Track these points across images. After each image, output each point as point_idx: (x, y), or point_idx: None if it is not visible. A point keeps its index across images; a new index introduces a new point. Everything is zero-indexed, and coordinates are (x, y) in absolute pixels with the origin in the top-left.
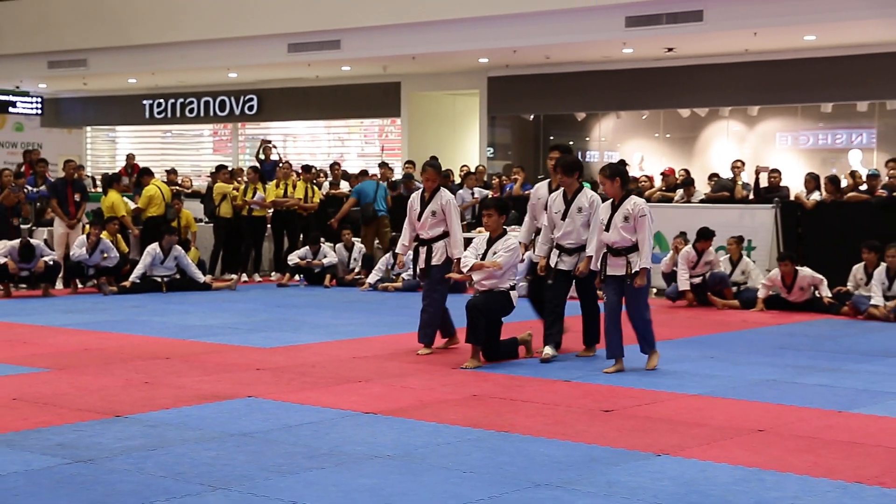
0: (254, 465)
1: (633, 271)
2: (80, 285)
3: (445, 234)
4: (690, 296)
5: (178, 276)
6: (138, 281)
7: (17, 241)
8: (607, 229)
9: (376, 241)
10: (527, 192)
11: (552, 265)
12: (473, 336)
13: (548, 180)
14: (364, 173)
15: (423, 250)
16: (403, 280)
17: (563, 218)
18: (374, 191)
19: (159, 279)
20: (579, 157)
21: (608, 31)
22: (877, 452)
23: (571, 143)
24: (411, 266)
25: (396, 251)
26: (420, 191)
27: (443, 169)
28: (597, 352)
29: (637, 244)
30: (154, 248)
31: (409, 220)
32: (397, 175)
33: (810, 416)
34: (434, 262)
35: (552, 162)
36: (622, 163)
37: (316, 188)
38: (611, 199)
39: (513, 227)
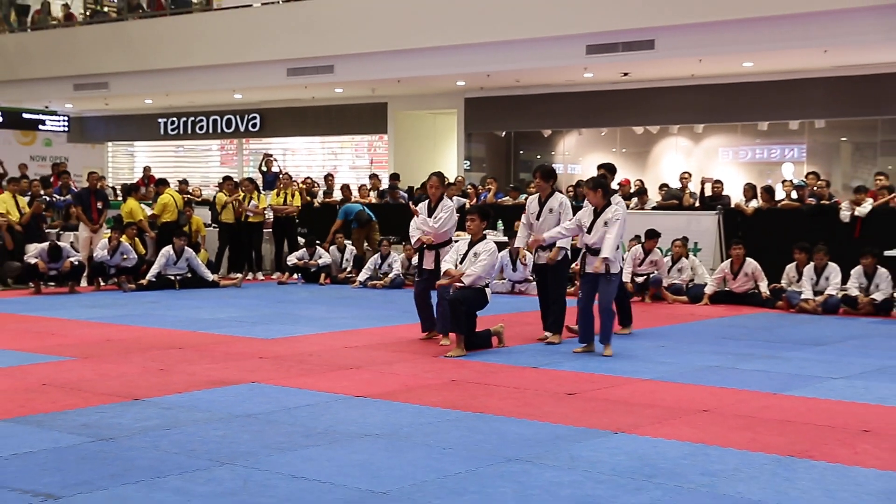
0: (257, 443)
1: (610, 270)
2: (102, 283)
3: (449, 241)
4: (630, 286)
5: (189, 275)
6: (154, 279)
7: (46, 244)
8: (589, 232)
9: (365, 244)
10: (499, 200)
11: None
12: (456, 326)
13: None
14: (346, 199)
15: (430, 253)
16: (391, 280)
17: (538, 218)
18: (360, 207)
19: (173, 278)
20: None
21: (571, 58)
22: (806, 430)
23: (539, 156)
24: (398, 264)
25: (413, 237)
26: (427, 201)
27: (430, 174)
28: (562, 340)
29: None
30: (168, 250)
31: (416, 223)
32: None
33: (749, 398)
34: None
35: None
36: (603, 176)
37: (298, 194)
38: (593, 208)
39: (489, 231)
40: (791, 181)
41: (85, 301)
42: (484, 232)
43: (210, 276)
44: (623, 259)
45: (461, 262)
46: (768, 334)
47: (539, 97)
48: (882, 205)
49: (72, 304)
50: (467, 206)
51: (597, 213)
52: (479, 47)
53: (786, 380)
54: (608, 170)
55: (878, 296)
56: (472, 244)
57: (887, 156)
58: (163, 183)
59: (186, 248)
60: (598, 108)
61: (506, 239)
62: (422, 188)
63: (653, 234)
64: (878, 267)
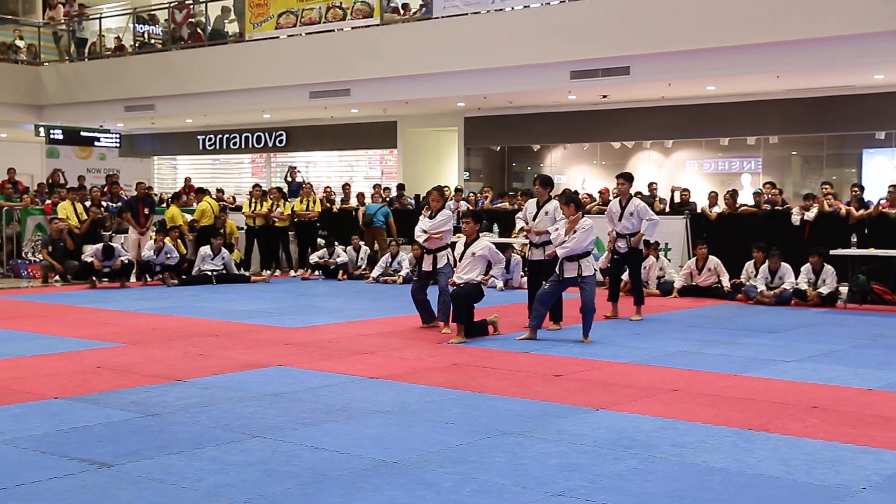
0: (283, 419)
1: (583, 273)
2: (148, 279)
3: (445, 247)
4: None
5: (224, 272)
6: (194, 275)
7: (100, 245)
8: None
9: (375, 245)
10: (495, 206)
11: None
12: (458, 316)
13: (618, 198)
14: (361, 205)
15: (428, 257)
16: (403, 278)
17: (534, 219)
18: (377, 209)
19: (210, 274)
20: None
21: (557, 82)
22: (763, 406)
23: (529, 168)
24: (402, 264)
25: (419, 238)
26: (430, 211)
27: (431, 188)
28: (562, 328)
29: (586, 252)
30: (206, 249)
31: (420, 225)
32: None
33: (713, 379)
34: (439, 265)
35: (621, 187)
36: (576, 193)
37: (319, 201)
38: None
39: (484, 233)
40: (735, 189)
41: (134, 295)
42: (479, 234)
43: (243, 273)
44: (597, 261)
45: (459, 260)
46: (729, 323)
47: (529, 116)
48: (827, 210)
49: (122, 297)
50: (468, 209)
51: (571, 224)
52: (476, 73)
53: (745, 363)
54: (626, 178)
55: (824, 289)
56: (467, 244)
57: (832, 167)
58: (202, 192)
59: (222, 248)
60: (580, 126)
61: (500, 240)
62: (427, 196)
63: (647, 244)
64: (825, 264)
